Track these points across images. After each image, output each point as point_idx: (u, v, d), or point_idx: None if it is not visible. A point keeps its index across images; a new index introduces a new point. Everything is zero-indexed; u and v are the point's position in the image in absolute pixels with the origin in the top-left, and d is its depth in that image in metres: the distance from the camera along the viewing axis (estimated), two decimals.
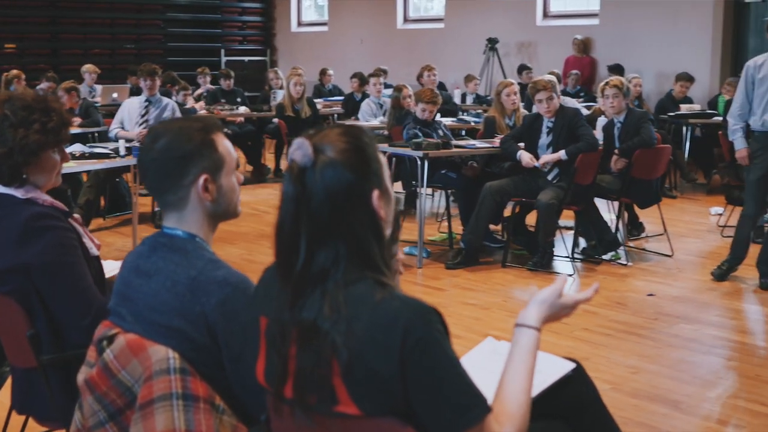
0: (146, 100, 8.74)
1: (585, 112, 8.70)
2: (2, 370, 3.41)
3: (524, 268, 6.97)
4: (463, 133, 10.27)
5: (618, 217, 7.48)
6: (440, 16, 16.56)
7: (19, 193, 2.80)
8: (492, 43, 14.73)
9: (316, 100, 11.71)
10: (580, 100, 12.13)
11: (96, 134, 9.58)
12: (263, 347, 1.97)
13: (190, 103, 11.68)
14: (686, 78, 11.40)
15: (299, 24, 19.51)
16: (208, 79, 14.05)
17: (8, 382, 3.13)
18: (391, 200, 1.95)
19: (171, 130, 2.30)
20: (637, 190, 7.23)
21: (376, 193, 1.88)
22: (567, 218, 7.56)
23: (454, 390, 1.79)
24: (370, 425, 1.82)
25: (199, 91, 13.52)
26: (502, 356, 2.04)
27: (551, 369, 2.41)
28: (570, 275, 6.71)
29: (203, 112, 11.53)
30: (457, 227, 7.75)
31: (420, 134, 7.46)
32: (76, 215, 2.96)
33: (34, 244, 2.72)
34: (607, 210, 7.75)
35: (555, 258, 7.11)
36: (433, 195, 9.37)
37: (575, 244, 7.36)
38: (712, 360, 5.04)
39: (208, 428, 2.16)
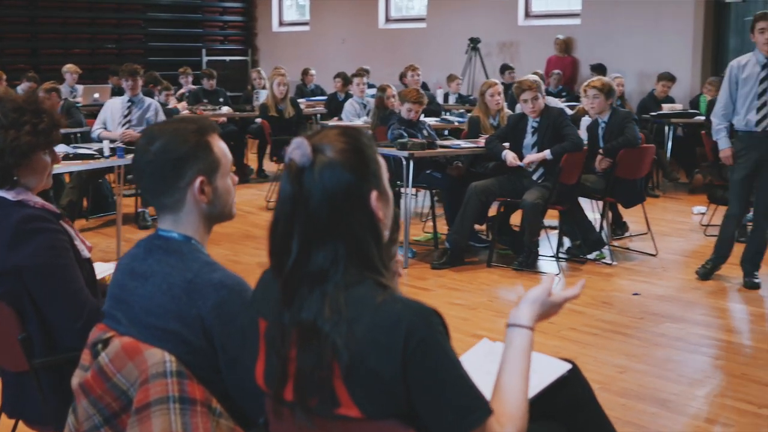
0: (129, 101, 8.71)
1: (568, 111, 8.71)
2: None
3: (510, 267, 6.98)
4: (446, 132, 10.28)
5: (602, 217, 7.51)
6: (422, 16, 16.57)
7: (9, 195, 2.78)
8: (474, 42, 14.75)
9: (298, 100, 11.68)
10: (563, 99, 12.17)
11: (78, 135, 9.52)
12: (262, 349, 1.96)
13: (172, 103, 11.62)
14: (668, 78, 11.47)
15: (280, 24, 19.47)
16: (190, 79, 14.00)
17: None
18: (389, 201, 1.94)
19: (166, 132, 2.28)
20: (621, 189, 7.26)
21: (374, 194, 1.87)
22: (551, 218, 7.57)
23: (456, 392, 1.79)
24: (371, 428, 1.81)
25: (182, 91, 13.46)
26: (499, 357, 2.03)
27: (548, 370, 2.41)
28: (556, 275, 6.72)
29: (186, 112, 11.49)
30: (442, 227, 7.76)
31: (405, 134, 7.46)
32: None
33: (26, 246, 2.69)
34: (591, 209, 7.78)
35: (540, 258, 7.13)
36: (416, 195, 9.37)
37: (560, 243, 7.38)
38: (698, 359, 5.07)
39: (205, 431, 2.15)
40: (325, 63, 16.29)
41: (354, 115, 10.74)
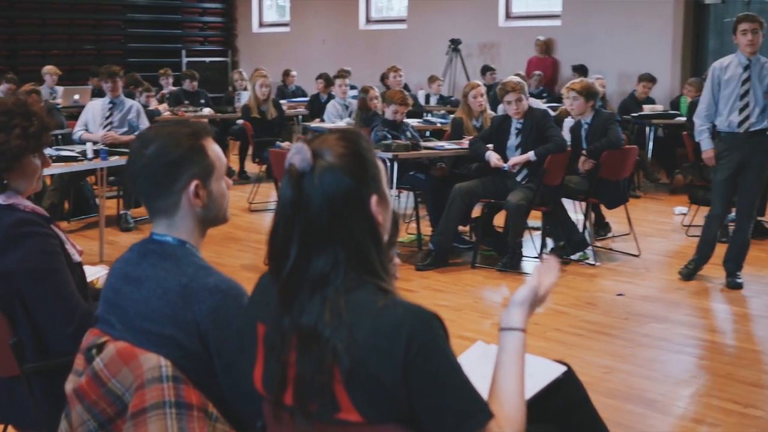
0: (110, 102, 8.67)
1: (550, 113, 8.74)
2: None
3: (494, 269, 7.00)
4: (428, 134, 10.28)
5: (585, 218, 7.53)
6: (403, 17, 16.57)
7: (0, 199, 2.76)
8: (455, 43, 14.78)
9: (279, 101, 11.66)
10: (543, 100, 12.20)
11: (59, 137, 9.47)
12: (261, 354, 1.95)
13: (153, 104, 11.58)
14: (648, 79, 11.54)
15: (261, 24, 19.43)
16: (171, 80, 13.94)
17: None
18: (389, 205, 1.94)
19: (161, 135, 2.27)
20: (604, 190, 7.29)
21: (374, 199, 1.87)
22: (534, 218, 7.59)
23: (457, 395, 1.79)
24: None
25: (163, 92, 13.40)
26: (493, 359, 2.04)
27: (542, 373, 2.42)
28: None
29: (167, 113, 11.45)
30: (426, 228, 7.76)
31: (389, 136, 7.46)
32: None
33: (17, 250, 2.68)
34: (574, 210, 7.80)
35: (524, 258, 7.14)
36: (399, 196, 9.37)
37: (543, 244, 7.41)
38: (683, 359, 5.09)
39: None
40: (306, 64, 16.27)
41: (336, 117, 10.73)
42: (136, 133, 8.48)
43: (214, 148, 2.32)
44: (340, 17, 17.29)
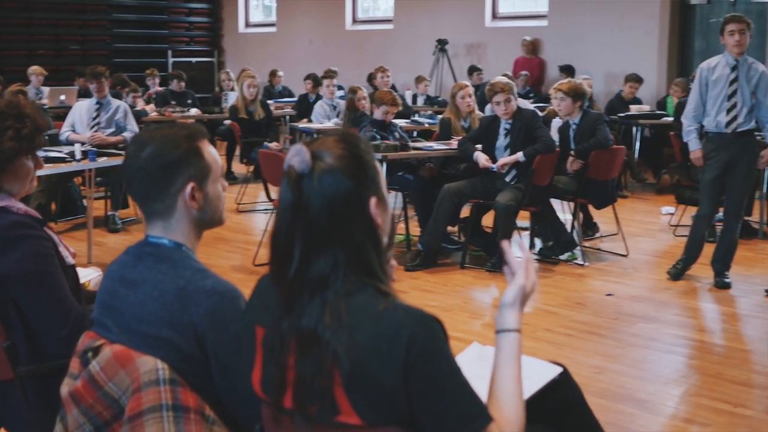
0: (97, 103, 8.63)
1: (538, 113, 8.76)
2: None
3: (483, 269, 7.01)
4: (415, 134, 10.28)
5: (574, 218, 7.55)
6: (389, 17, 16.56)
7: None
8: (441, 44, 14.79)
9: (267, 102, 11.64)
10: (530, 100, 12.22)
11: (46, 137, 9.42)
12: (259, 357, 1.95)
13: (140, 105, 11.54)
14: (635, 79, 11.58)
15: (247, 25, 19.39)
16: (157, 80, 13.91)
17: None
18: (387, 207, 1.94)
19: (157, 137, 2.26)
20: (593, 190, 7.31)
21: (373, 200, 1.88)
22: (522, 219, 7.60)
23: (457, 399, 1.79)
24: None
25: (151, 92, 13.36)
26: (490, 361, 2.04)
27: (538, 374, 2.42)
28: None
29: (154, 114, 11.42)
30: (414, 229, 7.77)
31: (377, 136, 7.46)
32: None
33: (10, 253, 2.66)
34: (562, 210, 7.82)
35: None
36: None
37: (531, 244, 7.42)
38: (673, 359, 5.11)
39: None
40: (292, 64, 16.26)
41: (324, 117, 10.72)
42: (124, 134, 8.46)
43: (210, 150, 2.32)
44: (327, 17, 17.27)
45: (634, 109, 11.17)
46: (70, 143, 7.91)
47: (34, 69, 13.05)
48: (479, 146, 7.16)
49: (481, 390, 1.96)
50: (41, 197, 7.98)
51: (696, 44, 13.01)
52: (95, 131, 8.43)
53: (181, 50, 18.96)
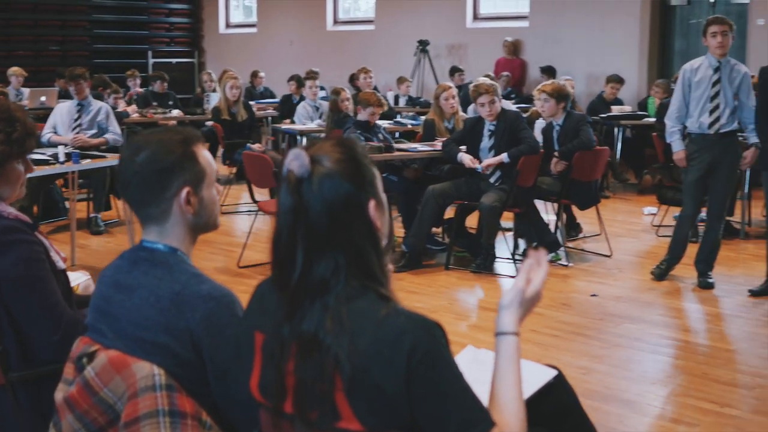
0: (78, 104, 8.57)
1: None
2: None
3: (467, 270, 7.01)
4: (398, 135, 10.28)
5: (557, 218, 7.57)
6: (370, 18, 16.57)
7: None
8: (423, 44, 14.81)
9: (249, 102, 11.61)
10: (512, 101, 12.25)
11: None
12: (258, 362, 1.94)
13: (121, 106, 11.48)
14: (616, 80, 11.63)
15: (227, 25, 19.34)
16: (138, 81, 13.84)
17: None
18: (385, 210, 1.94)
19: (151, 142, 2.25)
20: (576, 191, 7.34)
21: (372, 204, 1.88)
22: (505, 220, 7.62)
23: (459, 404, 1.79)
24: None
25: (131, 93, 13.30)
26: (485, 364, 2.04)
27: (534, 377, 2.43)
28: (512, 277, 6.76)
29: (135, 115, 11.37)
30: (398, 230, 7.77)
31: (362, 138, 7.46)
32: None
33: (1, 258, 2.64)
34: (545, 211, 7.83)
35: (497, 260, 7.17)
36: None
37: (515, 245, 7.44)
38: (659, 359, 5.14)
39: None
40: (273, 65, 16.24)
41: (307, 118, 10.71)
42: (106, 135, 8.41)
43: (205, 155, 2.31)
44: (308, 18, 17.26)
45: (615, 109, 11.23)
46: (52, 145, 7.85)
47: (13, 70, 12.97)
48: (463, 147, 7.17)
49: (478, 393, 1.96)
50: (23, 200, 7.90)
51: (676, 45, 13.10)
52: (77, 133, 8.38)
53: (161, 51, 18.91)
